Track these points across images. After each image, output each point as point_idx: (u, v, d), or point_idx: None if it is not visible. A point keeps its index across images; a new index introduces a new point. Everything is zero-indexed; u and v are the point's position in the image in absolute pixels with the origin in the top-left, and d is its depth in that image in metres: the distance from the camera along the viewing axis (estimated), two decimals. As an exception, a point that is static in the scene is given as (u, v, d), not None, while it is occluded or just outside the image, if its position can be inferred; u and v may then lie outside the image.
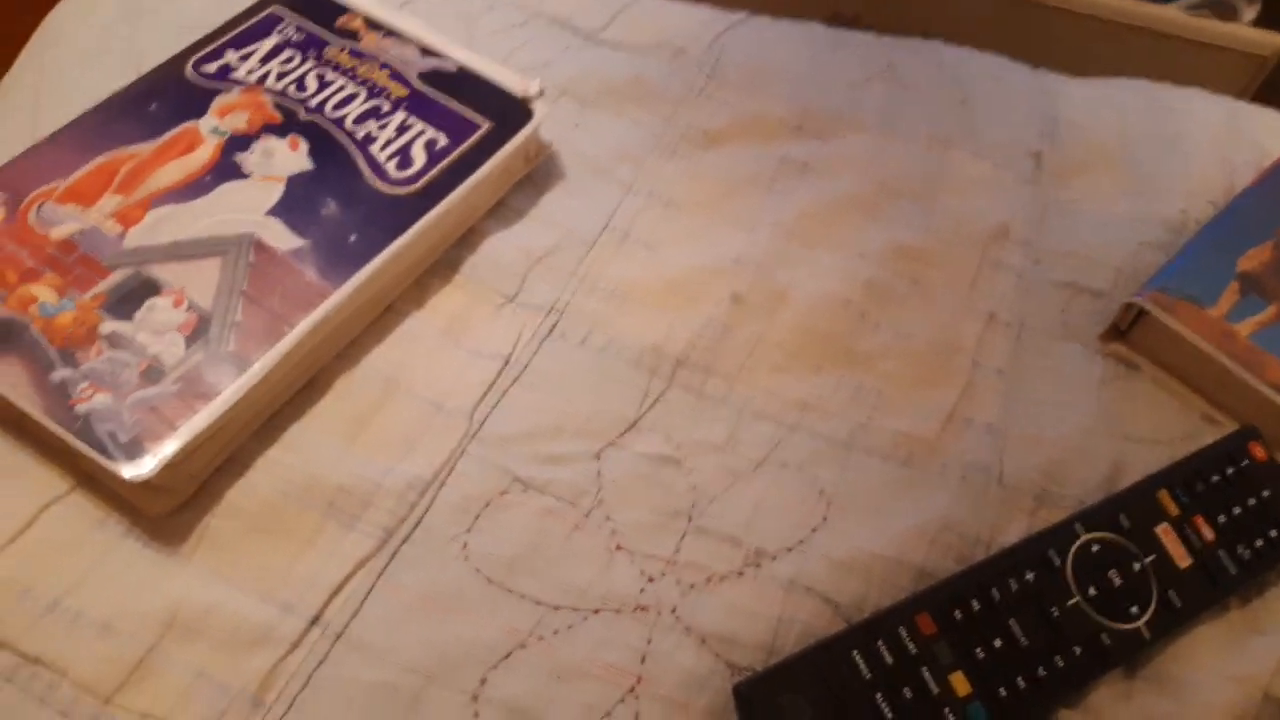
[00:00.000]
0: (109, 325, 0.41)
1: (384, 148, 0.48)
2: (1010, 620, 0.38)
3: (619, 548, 0.40)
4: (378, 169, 0.47)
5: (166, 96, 0.49)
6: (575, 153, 0.54)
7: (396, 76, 0.51)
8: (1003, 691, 0.37)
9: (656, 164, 0.54)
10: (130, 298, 0.42)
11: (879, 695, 0.36)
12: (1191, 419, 0.48)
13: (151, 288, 0.42)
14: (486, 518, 0.40)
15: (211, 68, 0.50)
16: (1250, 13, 0.92)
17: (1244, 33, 0.89)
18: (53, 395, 0.39)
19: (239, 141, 0.48)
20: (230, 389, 0.40)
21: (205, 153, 0.47)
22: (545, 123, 0.51)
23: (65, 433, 0.38)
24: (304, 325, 0.42)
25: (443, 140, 0.49)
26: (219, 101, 0.49)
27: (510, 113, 0.50)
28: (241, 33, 0.52)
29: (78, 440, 0.38)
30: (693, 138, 0.56)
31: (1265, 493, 0.43)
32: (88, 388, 0.39)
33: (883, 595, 0.40)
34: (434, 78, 0.51)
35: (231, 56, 0.51)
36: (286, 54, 0.51)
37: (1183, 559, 0.41)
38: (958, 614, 0.38)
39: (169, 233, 0.44)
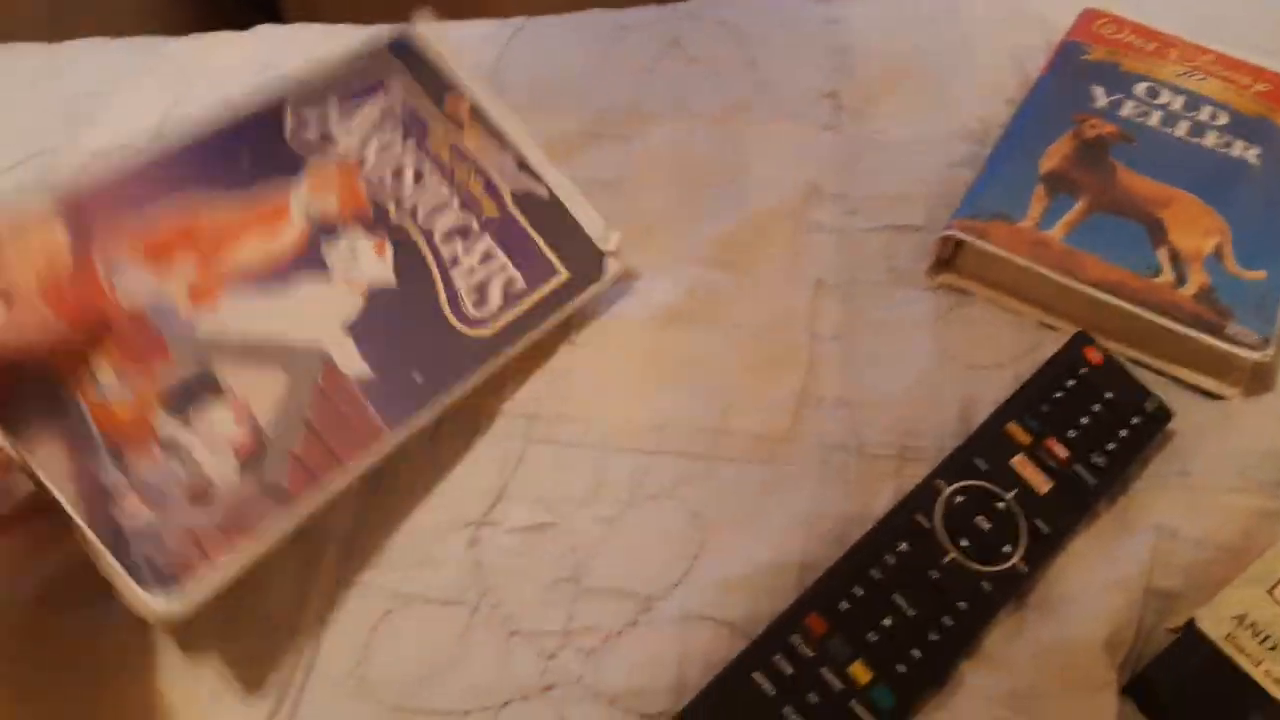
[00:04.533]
0: (167, 427, 0.38)
1: (467, 276, 0.46)
2: (894, 595, 0.40)
3: (514, 633, 0.40)
4: (455, 302, 0.45)
5: (260, 149, 0.44)
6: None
7: (491, 189, 0.48)
8: (901, 668, 0.38)
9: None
10: (190, 397, 0.39)
11: (788, 708, 0.37)
12: (1030, 332, 0.49)
13: (213, 388, 0.39)
14: (375, 645, 0.40)
15: (312, 133, 0.45)
16: None
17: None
18: (96, 498, 0.36)
19: (326, 228, 0.44)
20: (274, 529, 0.38)
21: (291, 235, 0.43)
22: None
23: (100, 545, 0.35)
24: (355, 468, 0.40)
25: (519, 283, 0.47)
26: (313, 169, 0.45)
27: (586, 265, 0.49)
28: (349, 81, 0.47)
29: (112, 557, 0.35)
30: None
31: (1108, 394, 0.45)
32: (134, 500, 0.36)
33: (773, 601, 0.40)
34: (525, 201, 0.49)
35: (334, 115, 0.46)
36: (389, 132, 0.47)
37: (1043, 485, 0.42)
38: (844, 604, 0.39)
39: (240, 326, 0.41)
